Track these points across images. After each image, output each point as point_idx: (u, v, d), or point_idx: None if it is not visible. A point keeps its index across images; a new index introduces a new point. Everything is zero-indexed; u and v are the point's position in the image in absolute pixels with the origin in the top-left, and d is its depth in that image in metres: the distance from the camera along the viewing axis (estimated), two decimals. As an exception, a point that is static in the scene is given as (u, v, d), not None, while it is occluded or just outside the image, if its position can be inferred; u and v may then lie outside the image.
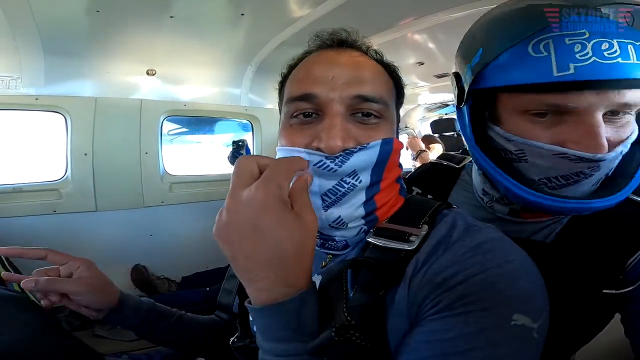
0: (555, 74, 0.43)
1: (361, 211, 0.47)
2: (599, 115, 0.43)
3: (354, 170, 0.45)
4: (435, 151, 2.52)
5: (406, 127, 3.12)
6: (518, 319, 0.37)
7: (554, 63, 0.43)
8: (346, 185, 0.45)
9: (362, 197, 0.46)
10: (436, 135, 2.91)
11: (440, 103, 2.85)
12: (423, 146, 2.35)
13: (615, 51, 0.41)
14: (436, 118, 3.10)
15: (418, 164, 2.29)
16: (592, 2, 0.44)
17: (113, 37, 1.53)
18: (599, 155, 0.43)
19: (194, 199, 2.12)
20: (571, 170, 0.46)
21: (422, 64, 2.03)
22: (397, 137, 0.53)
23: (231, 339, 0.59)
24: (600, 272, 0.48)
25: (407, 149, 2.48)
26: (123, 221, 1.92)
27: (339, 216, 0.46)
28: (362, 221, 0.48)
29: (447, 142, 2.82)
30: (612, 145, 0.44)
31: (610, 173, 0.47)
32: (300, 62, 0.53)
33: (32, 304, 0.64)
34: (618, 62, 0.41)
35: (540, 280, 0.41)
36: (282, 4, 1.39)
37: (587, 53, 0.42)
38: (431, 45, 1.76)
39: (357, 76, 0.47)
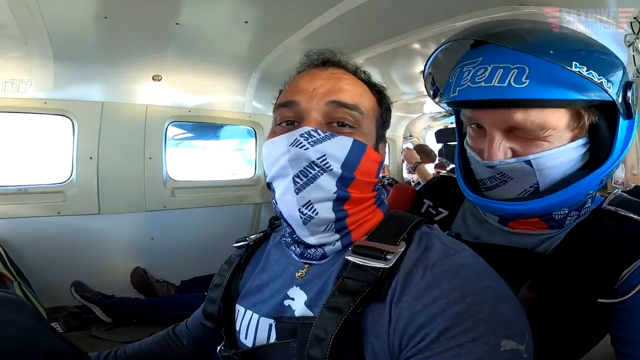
0: (450, 95, 0.54)
1: (331, 204, 0.49)
2: (494, 130, 0.51)
3: (324, 154, 0.48)
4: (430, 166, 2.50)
5: (410, 135, 3.12)
6: (506, 344, 0.38)
7: (452, 87, 0.54)
8: (316, 168, 0.48)
9: (332, 185, 0.49)
10: (440, 145, 2.90)
11: (445, 112, 2.84)
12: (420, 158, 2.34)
13: (484, 75, 0.49)
14: (441, 127, 3.10)
15: (416, 176, 2.27)
16: (494, 29, 0.52)
17: (120, 43, 1.57)
18: (485, 162, 0.53)
19: (196, 204, 2.13)
20: (489, 174, 0.54)
21: (427, 73, 2.03)
22: (380, 152, 0.56)
23: (218, 347, 0.61)
24: (595, 281, 0.49)
25: (402, 161, 2.47)
26: (125, 224, 1.93)
27: (309, 200, 0.48)
28: (333, 224, 0.50)
29: (451, 152, 2.80)
30: (518, 155, 0.51)
31: (539, 184, 0.52)
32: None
33: (26, 306, 0.66)
34: (481, 85, 0.49)
35: (518, 303, 0.43)
36: (286, 12, 1.41)
37: (467, 79, 0.51)
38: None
39: (335, 86, 0.52)
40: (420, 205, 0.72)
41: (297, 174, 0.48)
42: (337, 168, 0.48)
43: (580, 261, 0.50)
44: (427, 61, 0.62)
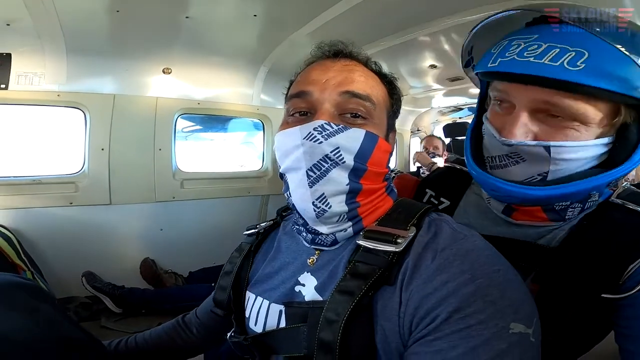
0: (488, 65, 0.52)
1: (344, 197, 0.50)
2: (523, 108, 0.50)
3: (337, 147, 0.48)
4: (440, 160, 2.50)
5: (418, 130, 3.10)
6: (514, 327, 0.39)
7: (493, 57, 0.52)
8: (330, 162, 0.48)
9: (344, 178, 0.49)
10: (448, 139, 2.88)
11: (454, 107, 2.82)
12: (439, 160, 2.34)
13: (536, 52, 0.47)
14: (449, 122, 3.07)
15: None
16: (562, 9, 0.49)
17: (131, 37, 1.58)
18: (502, 138, 0.51)
19: (204, 195, 2.16)
20: (502, 152, 0.53)
21: (435, 67, 2.02)
22: (390, 142, 0.57)
23: (228, 334, 0.62)
24: (600, 276, 0.48)
25: (414, 163, 2.47)
26: (135, 215, 1.97)
27: (322, 193, 0.49)
28: (346, 215, 0.51)
29: (459, 147, 2.78)
30: (539, 139, 0.50)
31: (548, 174, 0.51)
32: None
33: (43, 292, 0.65)
34: (529, 60, 0.47)
35: (525, 288, 0.44)
36: (294, 5, 1.41)
37: (514, 52, 0.49)
38: (445, 48, 1.75)
39: (348, 77, 0.52)
40: (423, 195, 0.72)
41: (311, 167, 0.48)
42: (349, 160, 0.49)
43: (585, 255, 0.50)
44: (474, 28, 0.60)
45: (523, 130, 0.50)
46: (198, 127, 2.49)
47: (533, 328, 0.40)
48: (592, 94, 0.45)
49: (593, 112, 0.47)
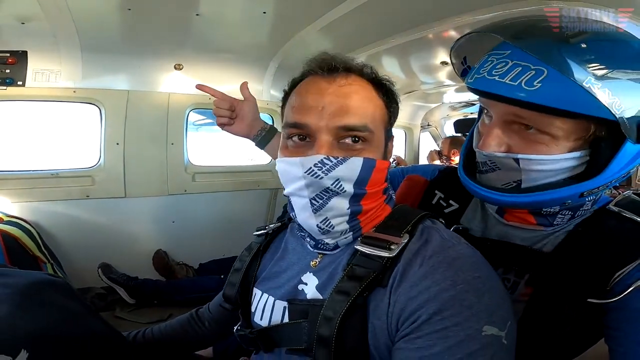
0: (468, 80, 0.55)
1: (346, 218, 0.54)
2: (496, 122, 0.54)
3: (338, 179, 0.51)
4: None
5: (428, 125, 3.06)
6: (487, 329, 0.42)
7: (473, 73, 0.55)
8: (331, 192, 0.52)
9: (345, 204, 0.53)
10: (459, 135, 2.84)
11: (466, 102, 2.77)
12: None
13: (501, 70, 0.49)
14: (460, 117, 3.02)
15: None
16: (524, 28, 0.52)
17: (143, 34, 1.60)
18: (477, 149, 0.56)
19: (215, 189, 2.21)
20: (482, 159, 0.57)
21: (447, 63, 1.98)
22: (387, 157, 0.59)
23: (235, 327, 0.67)
24: (588, 282, 0.50)
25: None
26: (148, 208, 2.03)
27: (326, 217, 0.53)
28: (349, 231, 0.55)
29: (471, 143, 2.74)
30: (511, 151, 0.53)
31: (521, 182, 0.53)
32: (297, 85, 0.58)
33: (71, 289, 0.69)
34: (494, 79, 0.49)
35: (504, 293, 0.47)
36: (303, 2, 1.40)
37: (486, 68, 0.51)
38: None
39: (343, 107, 0.52)
40: (432, 197, 0.73)
41: (314, 197, 0.52)
42: (349, 188, 0.52)
43: (576, 261, 0.52)
44: (452, 47, 0.63)
45: (496, 142, 0.53)
46: (209, 120, 2.52)
47: (506, 331, 0.43)
48: (549, 112, 0.47)
49: (560, 127, 0.48)
